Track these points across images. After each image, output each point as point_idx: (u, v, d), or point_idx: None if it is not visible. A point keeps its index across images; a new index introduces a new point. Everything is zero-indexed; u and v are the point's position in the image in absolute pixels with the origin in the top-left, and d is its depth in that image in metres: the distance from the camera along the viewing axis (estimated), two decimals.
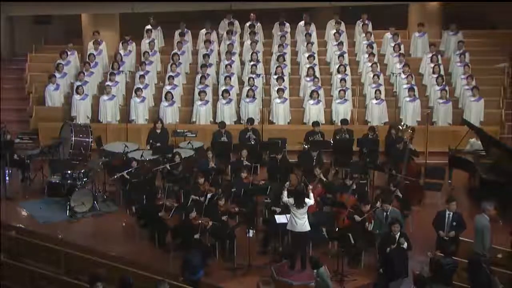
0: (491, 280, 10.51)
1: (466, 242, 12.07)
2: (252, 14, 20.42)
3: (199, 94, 18.10)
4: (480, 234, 11.63)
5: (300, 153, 16.06)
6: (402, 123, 16.31)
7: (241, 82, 19.19)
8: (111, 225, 14.15)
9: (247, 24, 20.53)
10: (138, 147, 16.17)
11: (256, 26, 20.33)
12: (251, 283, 11.59)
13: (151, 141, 16.36)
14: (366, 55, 19.10)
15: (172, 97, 18.09)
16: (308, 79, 18.52)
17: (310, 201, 12.17)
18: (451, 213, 12.02)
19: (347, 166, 15.35)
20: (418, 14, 20.43)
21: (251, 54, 19.10)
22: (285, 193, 12.33)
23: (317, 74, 18.78)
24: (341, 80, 18.22)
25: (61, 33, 22.17)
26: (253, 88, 18.10)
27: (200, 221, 12.35)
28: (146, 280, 11.01)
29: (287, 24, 20.57)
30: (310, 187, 12.77)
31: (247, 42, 19.74)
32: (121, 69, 18.95)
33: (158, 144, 16.10)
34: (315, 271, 11.04)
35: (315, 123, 16.62)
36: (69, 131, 16.23)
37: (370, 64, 18.81)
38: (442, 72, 18.64)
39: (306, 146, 15.86)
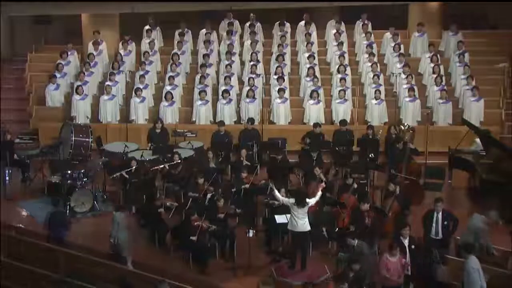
0: (435, 268, 10.79)
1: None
2: (251, 14, 20.42)
3: (199, 94, 18.10)
4: (473, 235, 11.72)
5: (300, 153, 16.06)
6: (405, 124, 16.33)
7: (241, 82, 19.19)
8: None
9: (247, 24, 20.54)
10: (138, 147, 16.16)
11: (256, 26, 20.33)
12: (251, 283, 11.62)
13: (152, 141, 16.36)
14: (366, 55, 19.10)
15: (172, 97, 18.08)
16: (308, 79, 18.51)
17: (312, 200, 12.17)
18: (440, 213, 12.02)
19: (347, 166, 15.36)
20: (418, 14, 20.41)
21: (251, 54, 19.09)
22: (279, 193, 12.32)
23: (317, 74, 18.78)
24: (341, 80, 18.22)
25: (61, 33, 22.17)
26: (253, 88, 18.09)
27: (199, 223, 12.36)
28: (146, 280, 11.01)
29: (287, 24, 20.57)
30: (323, 184, 12.77)
31: (247, 42, 19.74)
32: (121, 69, 18.95)
33: (160, 145, 16.10)
34: None
35: (316, 124, 16.60)
36: (69, 131, 16.22)
37: (370, 64, 18.81)
38: (442, 72, 18.64)
39: (307, 145, 15.84)
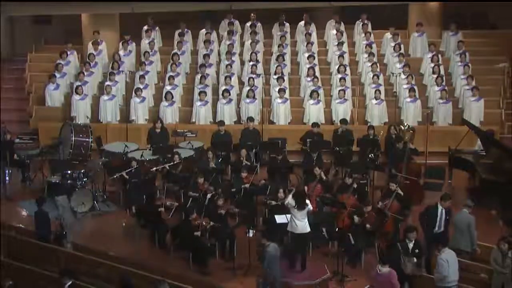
0: (403, 262, 11.03)
1: None
2: (252, 14, 20.42)
3: (199, 94, 18.10)
4: (467, 231, 11.79)
5: (305, 154, 16.06)
6: (405, 124, 16.33)
7: (241, 82, 19.18)
8: (111, 225, 14.15)
9: (248, 24, 20.53)
10: (138, 147, 16.17)
11: (257, 26, 20.32)
12: (251, 283, 11.61)
13: (152, 141, 16.34)
14: (366, 55, 19.10)
15: (172, 97, 18.08)
16: (308, 79, 18.51)
17: (310, 206, 12.18)
18: (443, 209, 12.06)
19: (347, 166, 15.36)
20: (418, 14, 20.39)
21: (251, 54, 19.08)
22: (289, 196, 12.27)
23: (317, 74, 18.77)
24: (340, 80, 18.22)
25: (61, 33, 22.17)
26: (253, 88, 18.09)
27: (199, 222, 12.37)
28: (146, 280, 11.01)
29: (287, 24, 20.56)
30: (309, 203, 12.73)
31: (247, 42, 19.74)
32: (121, 69, 18.95)
33: (160, 144, 16.08)
34: None
35: (315, 124, 16.60)
36: (69, 131, 16.23)
37: (370, 64, 18.81)
38: (442, 72, 18.64)
39: (307, 146, 15.85)
